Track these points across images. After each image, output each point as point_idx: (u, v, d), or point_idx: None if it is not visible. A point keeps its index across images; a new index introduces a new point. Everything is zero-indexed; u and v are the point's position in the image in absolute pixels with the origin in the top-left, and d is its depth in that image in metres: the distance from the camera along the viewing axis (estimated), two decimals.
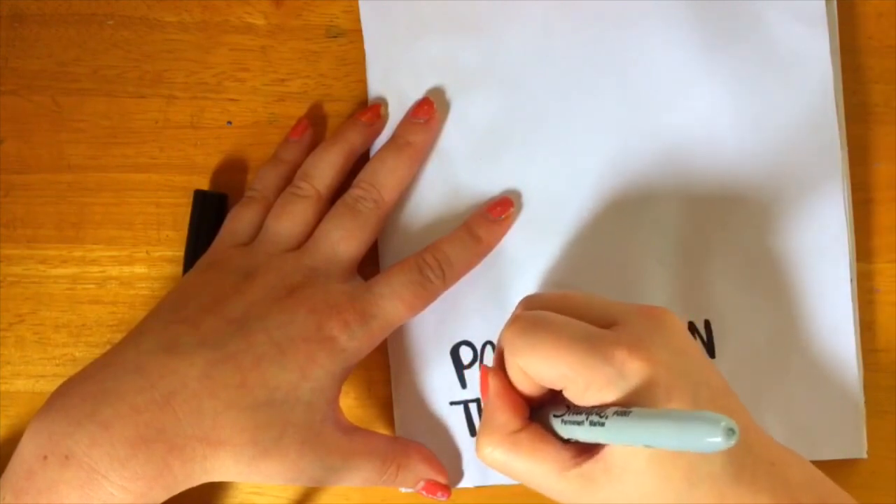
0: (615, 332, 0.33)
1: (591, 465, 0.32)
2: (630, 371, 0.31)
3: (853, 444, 0.41)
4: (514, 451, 0.34)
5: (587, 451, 0.33)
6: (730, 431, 0.26)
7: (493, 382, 0.35)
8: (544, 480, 0.33)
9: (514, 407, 0.35)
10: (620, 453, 0.31)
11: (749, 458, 0.31)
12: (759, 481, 0.31)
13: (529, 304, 0.36)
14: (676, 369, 0.32)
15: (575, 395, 0.32)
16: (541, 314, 0.34)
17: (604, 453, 0.32)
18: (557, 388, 0.33)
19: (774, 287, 0.41)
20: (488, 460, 0.35)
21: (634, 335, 0.32)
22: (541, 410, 0.35)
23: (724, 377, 0.34)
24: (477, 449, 0.35)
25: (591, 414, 0.31)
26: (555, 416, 0.34)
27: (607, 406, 0.31)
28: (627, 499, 0.32)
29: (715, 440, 0.26)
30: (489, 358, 0.42)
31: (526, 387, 0.35)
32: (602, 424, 0.30)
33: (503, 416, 0.35)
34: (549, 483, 0.33)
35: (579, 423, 0.32)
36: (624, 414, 0.30)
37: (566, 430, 0.33)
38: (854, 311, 0.41)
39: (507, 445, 0.34)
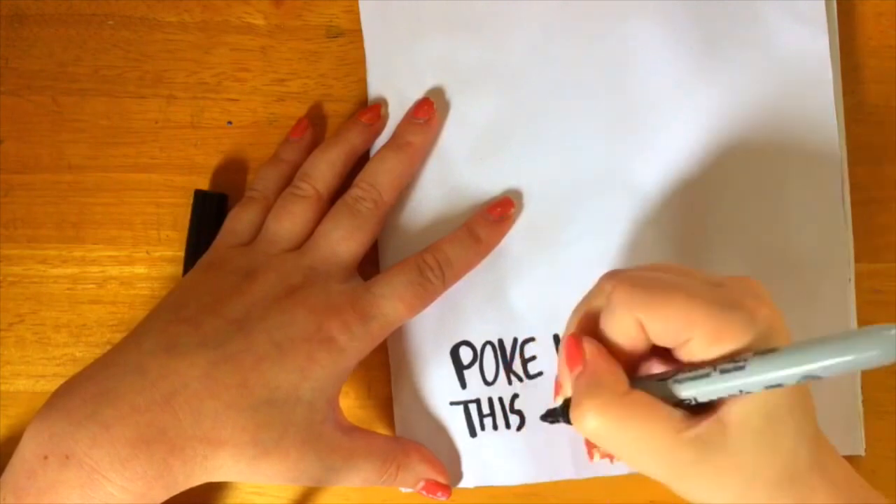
0: (727, 289, 0.32)
1: (707, 426, 0.31)
2: (761, 316, 0.31)
3: (852, 441, 0.41)
4: (628, 414, 0.31)
5: (697, 415, 0.31)
6: None
7: (590, 346, 0.33)
8: (658, 445, 0.31)
9: (618, 367, 0.32)
10: (738, 411, 0.31)
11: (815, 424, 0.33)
12: (830, 446, 0.33)
13: (617, 275, 0.34)
14: (784, 323, 0.32)
15: (697, 349, 0.31)
16: (653, 273, 0.33)
17: (720, 413, 0.31)
18: (678, 342, 0.32)
19: (774, 287, 0.41)
20: (592, 427, 0.31)
21: (749, 290, 0.32)
22: (635, 379, 0.33)
23: None
24: (577, 417, 0.32)
25: (720, 363, 0.30)
26: (660, 380, 0.32)
27: (732, 354, 0.30)
28: (740, 463, 0.31)
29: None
30: (488, 358, 0.42)
31: (624, 349, 0.33)
32: (742, 368, 0.29)
33: (611, 376, 0.32)
34: (663, 449, 0.31)
35: (705, 376, 0.31)
36: (771, 352, 0.29)
37: (684, 389, 0.31)
38: (854, 311, 0.41)
39: (617, 408, 0.31)
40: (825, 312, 0.41)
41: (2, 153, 0.43)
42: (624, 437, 0.31)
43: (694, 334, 0.31)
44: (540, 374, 0.41)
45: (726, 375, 0.30)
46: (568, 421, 0.33)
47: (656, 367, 0.34)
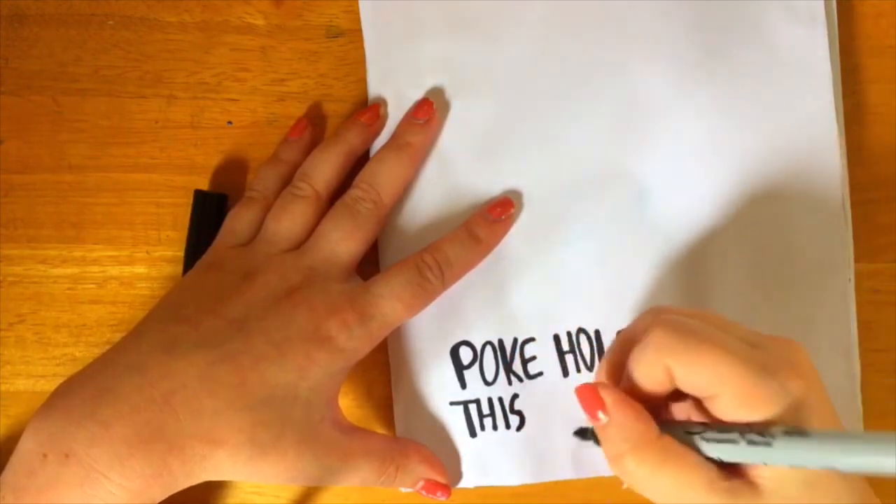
0: (765, 352, 0.32)
1: (739, 485, 0.31)
2: (794, 388, 0.30)
3: None
4: (664, 461, 0.31)
5: (728, 469, 0.32)
6: None
7: (612, 395, 0.32)
8: (692, 494, 0.31)
9: (646, 413, 0.32)
10: (772, 478, 0.31)
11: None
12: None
13: (663, 313, 0.34)
14: (821, 393, 0.32)
15: (725, 407, 0.31)
16: (692, 321, 0.32)
17: (752, 476, 0.31)
18: (705, 394, 0.32)
19: (774, 287, 0.41)
20: (632, 473, 0.32)
21: (787, 357, 0.32)
22: (661, 423, 0.33)
23: None
24: (616, 464, 0.33)
25: (748, 432, 0.30)
26: (688, 432, 0.32)
27: (762, 424, 0.30)
28: None
29: None
30: (488, 358, 0.41)
31: (648, 391, 0.33)
32: (768, 444, 0.29)
33: (641, 424, 0.32)
34: (697, 498, 0.31)
35: (732, 442, 0.30)
36: (800, 434, 0.29)
37: (710, 449, 0.31)
38: (854, 311, 0.41)
39: (654, 454, 0.32)
40: (825, 312, 0.41)
41: (2, 153, 0.43)
42: (659, 482, 0.32)
43: (723, 392, 0.31)
44: (540, 374, 0.41)
45: (753, 447, 0.30)
46: (599, 443, 0.34)
47: (678, 408, 0.34)
